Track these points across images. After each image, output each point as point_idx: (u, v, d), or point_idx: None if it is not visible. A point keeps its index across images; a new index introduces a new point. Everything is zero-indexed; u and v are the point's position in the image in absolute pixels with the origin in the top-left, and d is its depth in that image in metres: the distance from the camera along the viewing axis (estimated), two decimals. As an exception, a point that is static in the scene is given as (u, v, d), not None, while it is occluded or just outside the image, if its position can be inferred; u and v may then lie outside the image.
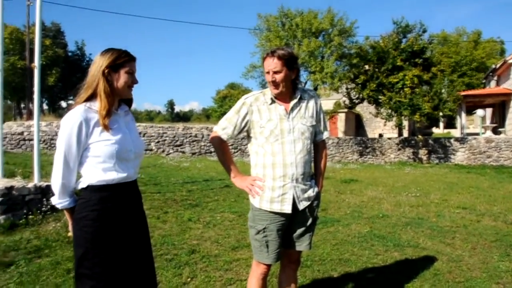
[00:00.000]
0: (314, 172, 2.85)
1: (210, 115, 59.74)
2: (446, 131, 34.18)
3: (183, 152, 19.07)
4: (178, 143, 19.21)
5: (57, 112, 34.71)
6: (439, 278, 3.99)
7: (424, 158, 20.62)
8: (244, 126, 2.71)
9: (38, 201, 5.81)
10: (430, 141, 21.11)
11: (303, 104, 2.71)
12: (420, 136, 21.91)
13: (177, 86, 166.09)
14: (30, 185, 5.85)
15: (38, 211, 5.71)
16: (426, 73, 20.39)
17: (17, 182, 6.04)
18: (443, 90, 21.14)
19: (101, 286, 2.05)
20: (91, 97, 2.12)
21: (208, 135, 19.54)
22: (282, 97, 2.66)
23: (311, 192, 2.70)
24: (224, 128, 2.73)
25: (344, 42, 22.96)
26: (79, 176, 2.16)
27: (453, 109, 21.83)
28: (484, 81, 35.88)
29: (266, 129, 2.63)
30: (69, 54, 39.09)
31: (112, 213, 2.10)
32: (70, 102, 40.83)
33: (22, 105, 35.17)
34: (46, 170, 8.00)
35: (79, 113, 2.05)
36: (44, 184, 6.05)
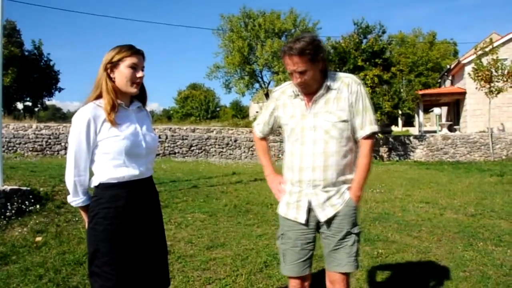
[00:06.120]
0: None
1: (172, 116, 59.05)
2: (405, 129, 35.23)
3: (147, 154, 18.72)
4: (142, 144, 18.84)
5: (13, 114, 33.31)
6: (411, 268, 4.16)
7: (385, 155, 21.20)
8: (274, 122, 2.49)
9: (2, 206, 5.61)
10: (391, 139, 21.71)
11: (331, 96, 2.23)
12: (380, 135, 22.51)
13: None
14: (-7, 189, 5.64)
15: (2, 216, 5.50)
16: (386, 73, 20.98)
17: (-22, 187, 5.81)
18: (402, 90, 21.82)
19: (110, 285, 2.00)
20: (100, 95, 2.10)
21: (172, 135, 19.35)
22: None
23: (334, 200, 2.26)
24: (258, 124, 2.57)
25: (306, 43, 23.30)
26: (92, 174, 2.14)
27: (412, 108, 22.56)
28: (439, 80, 37.32)
29: (288, 126, 2.31)
30: (26, 53, 37.33)
31: (124, 211, 2.07)
32: (27, 103, 39.18)
33: (-25, 107, 33.51)
34: (6, 174, 7.72)
35: (87, 110, 2.04)
36: (7, 188, 5.85)
